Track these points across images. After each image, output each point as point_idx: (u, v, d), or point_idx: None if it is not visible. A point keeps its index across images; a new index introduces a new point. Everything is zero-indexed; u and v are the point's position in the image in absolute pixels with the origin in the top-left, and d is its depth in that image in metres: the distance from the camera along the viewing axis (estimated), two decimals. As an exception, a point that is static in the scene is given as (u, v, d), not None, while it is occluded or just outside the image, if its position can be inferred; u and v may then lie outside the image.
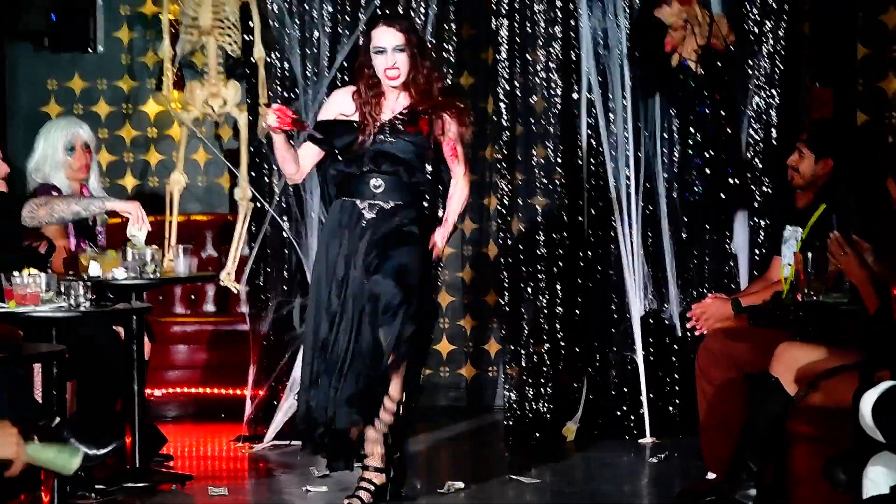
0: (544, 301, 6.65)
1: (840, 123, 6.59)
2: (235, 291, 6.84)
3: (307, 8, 6.66)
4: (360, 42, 5.86)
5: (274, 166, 6.71)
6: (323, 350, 5.13)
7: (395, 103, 5.25)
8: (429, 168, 5.35)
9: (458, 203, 5.32)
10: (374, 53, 5.21)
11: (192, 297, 7.70)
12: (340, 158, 5.28)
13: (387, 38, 5.19)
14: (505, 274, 6.71)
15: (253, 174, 6.77)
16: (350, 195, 5.25)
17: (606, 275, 6.63)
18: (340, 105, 5.29)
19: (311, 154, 5.30)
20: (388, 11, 6.43)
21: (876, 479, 3.40)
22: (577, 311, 6.65)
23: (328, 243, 5.25)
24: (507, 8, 6.66)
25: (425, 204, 5.46)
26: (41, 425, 4.67)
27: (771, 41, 6.55)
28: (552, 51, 6.66)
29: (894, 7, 6.99)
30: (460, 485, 5.46)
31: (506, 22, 6.66)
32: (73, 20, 7.53)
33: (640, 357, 6.53)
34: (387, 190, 5.22)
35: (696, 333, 5.43)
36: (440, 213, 5.58)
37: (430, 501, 5.34)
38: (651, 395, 6.51)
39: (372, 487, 5.10)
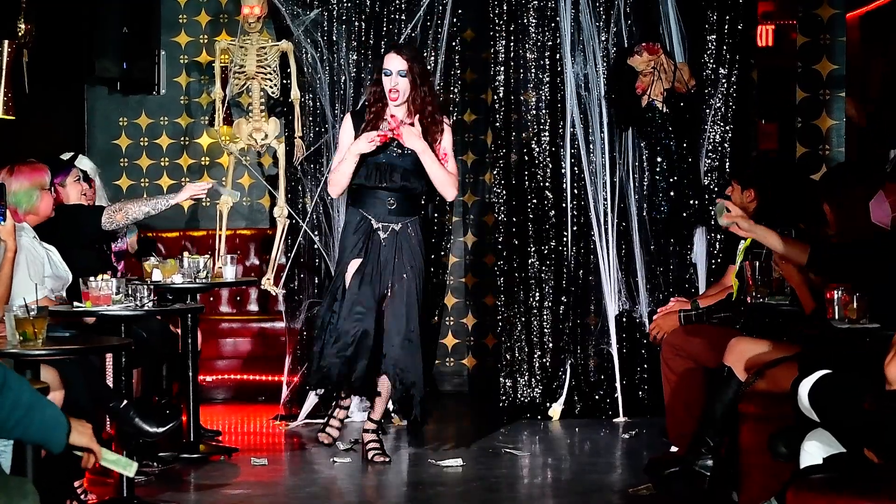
0: (534, 302, 6.65)
1: (767, 160, 6.56)
2: (274, 294, 6.84)
3: (335, 57, 6.69)
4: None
5: (308, 188, 6.74)
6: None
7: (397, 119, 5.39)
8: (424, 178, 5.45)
9: (441, 171, 5.36)
10: (383, 75, 5.34)
11: (238, 298, 7.69)
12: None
13: (393, 63, 5.32)
14: (501, 279, 6.71)
15: (289, 196, 6.79)
16: (364, 208, 5.39)
17: (586, 280, 6.62)
18: (348, 129, 5.45)
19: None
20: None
21: (811, 451, 3.39)
22: (562, 311, 6.65)
23: (347, 247, 5.42)
24: (503, 57, 6.68)
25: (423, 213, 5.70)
26: (111, 406, 4.68)
27: (725, 85, 6.55)
28: (541, 92, 6.66)
29: (826, 59, 7.01)
30: (459, 461, 5.44)
31: (502, 68, 6.68)
32: (141, 68, 7.54)
33: (614, 349, 6.52)
34: (397, 206, 5.36)
35: (654, 343, 5.45)
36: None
37: (437, 472, 5.34)
38: (623, 382, 6.50)
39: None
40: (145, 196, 5.78)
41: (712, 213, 4.50)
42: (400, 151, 5.39)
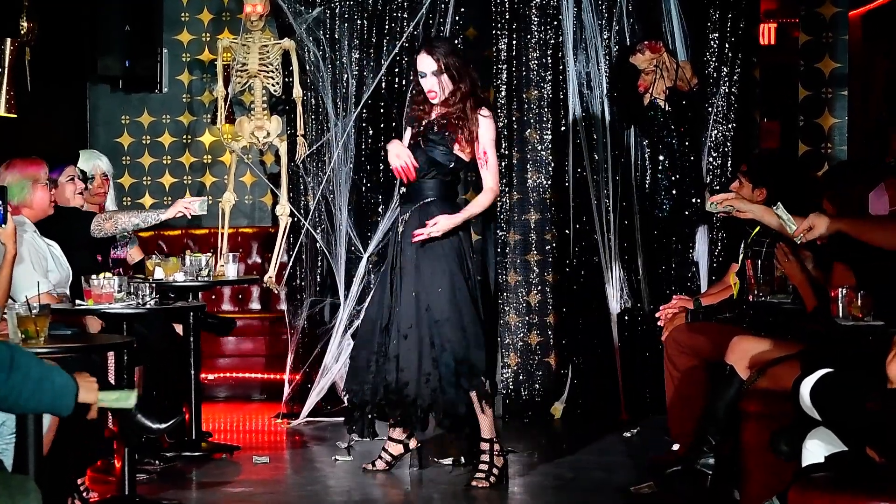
0: (536, 300, 6.64)
1: (774, 158, 6.58)
2: (276, 292, 6.84)
3: (337, 55, 6.69)
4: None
5: (310, 186, 6.73)
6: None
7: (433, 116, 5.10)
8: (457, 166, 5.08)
9: (475, 206, 5.08)
10: (419, 78, 5.06)
11: (240, 296, 7.70)
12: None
13: (424, 63, 5.03)
14: (503, 277, 6.70)
15: (291, 194, 6.79)
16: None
17: (589, 278, 6.62)
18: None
19: None
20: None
21: (813, 449, 3.39)
22: (564, 309, 6.64)
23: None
24: (505, 55, 6.67)
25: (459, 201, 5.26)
26: (113, 403, 4.67)
27: (727, 83, 6.55)
28: (543, 90, 6.66)
29: (829, 57, 7.01)
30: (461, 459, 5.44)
31: (505, 66, 6.68)
32: (143, 66, 7.54)
33: (616, 348, 6.51)
34: (422, 191, 5.05)
35: (661, 323, 5.44)
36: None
37: (438, 470, 5.33)
38: (625, 380, 6.50)
39: None
40: (137, 210, 5.80)
41: (707, 205, 4.50)
42: (422, 144, 5.06)
